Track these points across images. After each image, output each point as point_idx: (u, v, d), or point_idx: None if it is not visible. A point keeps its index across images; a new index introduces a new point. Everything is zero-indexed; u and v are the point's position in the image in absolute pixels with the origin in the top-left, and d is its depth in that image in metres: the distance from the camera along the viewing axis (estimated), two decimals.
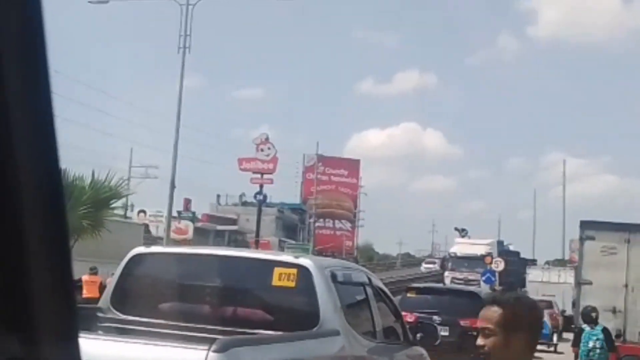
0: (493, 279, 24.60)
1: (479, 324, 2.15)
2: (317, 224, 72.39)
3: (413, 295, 12.15)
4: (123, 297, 4.42)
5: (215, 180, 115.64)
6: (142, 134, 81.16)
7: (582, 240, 12.70)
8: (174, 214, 51.84)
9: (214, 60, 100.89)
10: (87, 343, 2.42)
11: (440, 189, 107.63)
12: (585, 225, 12.81)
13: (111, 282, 4.75)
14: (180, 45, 23.17)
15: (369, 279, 5.08)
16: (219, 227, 56.29)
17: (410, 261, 66.62)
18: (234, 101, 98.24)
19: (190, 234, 50.13)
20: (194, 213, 52.98)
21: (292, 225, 67.70)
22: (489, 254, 29.25)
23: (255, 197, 48.84)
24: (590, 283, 12.40)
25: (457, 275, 29.50)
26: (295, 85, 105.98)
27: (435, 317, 10.79)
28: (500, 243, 37.00)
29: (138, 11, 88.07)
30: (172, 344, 3.30)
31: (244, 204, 63.03)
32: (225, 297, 4.44)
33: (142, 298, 4.49)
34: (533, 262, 46.10)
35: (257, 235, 48.64)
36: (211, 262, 4.65)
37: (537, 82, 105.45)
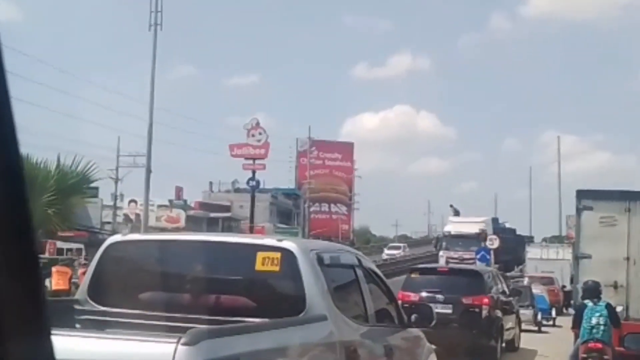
0: (488, 257, 23.78)
1: None
2: (312, 209, 71.85)
3: (417, 276, 12.20)
4: (100, 288, 4.21)
5: (210, 168, 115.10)
6: (129, 122, 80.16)
7: (579, 211, 11.78)
8: (166, 203, 51.31)
9: (206, 49, 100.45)
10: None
11: (436, 171, 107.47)
12: (582, 194, 11.91)
13: (88, 273, 4.51)
14: (152, 22, 22.22)
15: (359, 261, 4.85)
16: (212, 215, 55.62)
17: (407, 243, 66.06)
18: (228, 89, 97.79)
19: (182, 222, 49.47)
20: (185, 201, 52.31)
21: (287, 211, 67.06)
22: (483, 232, 28.43)
23: (247, 183, 48.09)
24: (589, 257, 11.61)
25: (452, 254, 28.64)
26: (289, 72, 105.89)
27: (439, 296, 11.00)
28: (495, 220, 36.02)
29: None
30: (139, 338, 3.07)
31: (237, 190, 62.27)
32: (208, 284, 4.21)
33: (120, 288, 4.25)
34: (530, 238, 45.62)
35: (251, 221, 47.91)
36: (192, 248, 4.43)
37: (529, 61, 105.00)
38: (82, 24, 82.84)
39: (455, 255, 28.31)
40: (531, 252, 31.00)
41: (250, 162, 47.12)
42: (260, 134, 48.68)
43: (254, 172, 47.18)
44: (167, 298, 4.12)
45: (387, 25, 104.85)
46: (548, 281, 24.46)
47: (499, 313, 11.96)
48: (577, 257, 11.84)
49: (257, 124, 49.52)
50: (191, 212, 53.72)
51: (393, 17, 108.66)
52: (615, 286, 11.36)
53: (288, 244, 4.02)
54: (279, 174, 79.21)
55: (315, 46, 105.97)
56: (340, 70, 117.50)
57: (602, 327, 8.46)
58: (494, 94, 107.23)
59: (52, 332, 2.08)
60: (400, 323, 5.18)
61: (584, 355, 8.50)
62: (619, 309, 9.63)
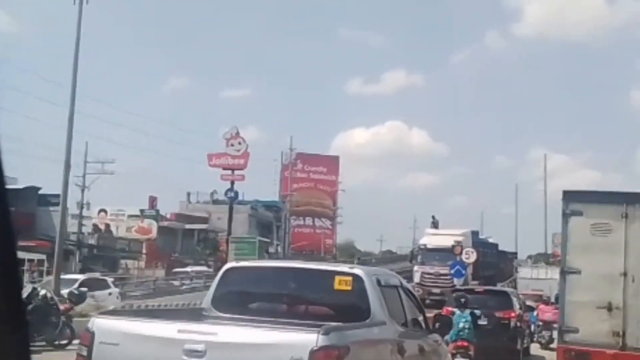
0: (463, 272, 21.60)
1: None
2: (296, 222, 69.83)
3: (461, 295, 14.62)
4: (221, 300, 5.66)
5: (193, 180, 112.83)
6: (95, 126, 77.31)
7: (566, 216, 9.73)
8: (137, 212, 49.13)
9: (202, 60, 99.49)
10: (227, 329, 4.51)
11: (425, 186, 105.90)
12: (570, 196, 9.86)
13: (211, 288, 5.89)
14: None
15: (400, 282, 6.36)
16: (188, 226, 53.56)
17: (390, 258, 64.21)
18: (221, 101, 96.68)
19: (154, 233, 47.36)
20: (157, 211, 50.08)
21: (267, 223, 64.87)
22: (458, 244, 26.10)
23: (226, 194, 46.07)
24: (578, 272, 9.59)
25: (427, 269, 26.37)
26: (282, 85, 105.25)
27: (477, 311, 13.17)
28: (475, 234, 33.27)
29: None
30: (292, 329, 4.48)
31: (216, 201, 60.21)
32: (299, 298, 5.72)
33: (235, 300, 5.68)
34: (514, 255, 43.92)
35: (229, 233, 45.86)
36: (287, 273, 5.96)
37: (521, 79, 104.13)
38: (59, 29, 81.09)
39: (431, 271, 26.04)
40: (522, 272, 33.97)
41: (229, 172, 45.15)
42: (239, 143, 46.76)
43: (232, 183, 45.26)
44: (270, 307, 5.47)
45: (382, 40, 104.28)
46: (539, 298, 26.49)
47: (521, 325, 15.28)
48: (564, 272, 9.82)
49: (237, 133, 47.61)
50: (165, 223, 51.61)
51: (388, 32, 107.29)
52: (610, 308, 9.35)
53: (357, 270, 5.45)
54: (265, 187, 77.71)
55: (310, 60, 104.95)
56: (334, 85, 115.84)
57: (466, 330, 10.77)
58: (485, 111, 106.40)
59: (229, 323, 4.82)
60: (427, 329, 6.57)
61: (454, 352, 10.18)
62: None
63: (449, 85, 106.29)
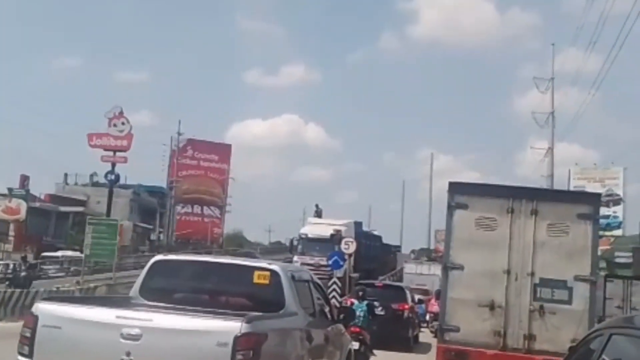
0: (342, 262, 20.75)
1: None
2: (183, 210, 67.53)
3: (360, 288, 15.69)
4: (148, 289, 6.28)
5: (79, 161, 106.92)
6: None
7: (451, 209, 9.21)
8: (4, 191, 45.34)
9: (99, 42, 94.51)
10: (161, 316, 4.98)
11: (317, 180, 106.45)
12: (455, 188, 9.33)
13: (139, 278, 6.45)
14: None
15: (311, 277, 7.28)
16: (62, 209, 50.17)
17: (278, 249, 63.68)
18: (117, 84, 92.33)
19: (22, 213, 43.83)
20: (27, 191, 46.47)
21: (150, 209, 62.26)
22: (338, 233, 25.24)
23: (106, 177, 43.21)
24: (460, 268, 9.10)
25: (307, 260, 25.39)
26: (182, 71, 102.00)
27: (376, 303, 15.11)
28: (358, 224, 32.50)
29: None
30: (219, 318, 4.93)
31: (95, 184, 56.91)
32: (221, 289, 6.34)
33: (161, 290, 6.28)
34: (397, 248, 44.32)
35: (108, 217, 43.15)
36: (211, 266, 6.64)
37: (414, 81, 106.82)
38: None
39: (311, 261, 24.98)
40: (407, 267, 35.36)
41: (111, 153, 42.46)
42: (123, 123, 43.66)
43: (113, 165, 42.36)
44: (194, 298, 6.12)
45: (283, 33, 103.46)
46: (425, 292, 28.45)
47: (412, 316, 17.78)
48: (447, 268, 9.27)
49: (121, 112, 44.52)
50: (37, 204, 48.04)
51: (289, 25, 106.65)
52: (492, 307, 8.90)
53: (275, 267, 6.19)
54: (155, 173, 74.79)
55: (210, 48, 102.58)
56: (233, 74, 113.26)
57: (362, 318, 12.23)
58: (378, 110, 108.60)
59: (160, 310, 5.59)
60: (332, 319, 7.42)
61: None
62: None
63: (346, 82, 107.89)
